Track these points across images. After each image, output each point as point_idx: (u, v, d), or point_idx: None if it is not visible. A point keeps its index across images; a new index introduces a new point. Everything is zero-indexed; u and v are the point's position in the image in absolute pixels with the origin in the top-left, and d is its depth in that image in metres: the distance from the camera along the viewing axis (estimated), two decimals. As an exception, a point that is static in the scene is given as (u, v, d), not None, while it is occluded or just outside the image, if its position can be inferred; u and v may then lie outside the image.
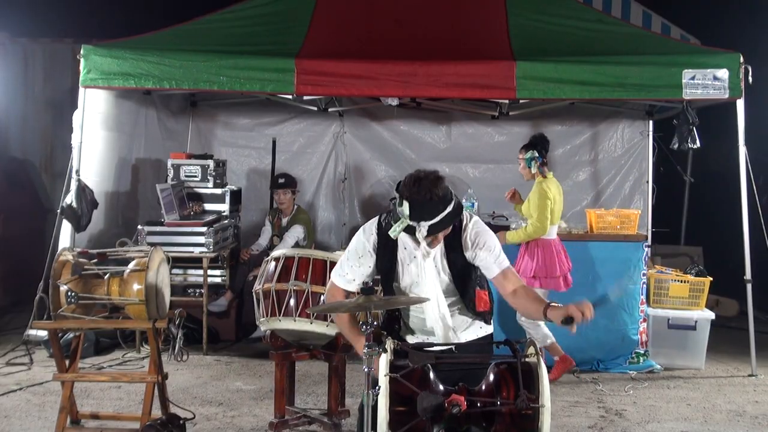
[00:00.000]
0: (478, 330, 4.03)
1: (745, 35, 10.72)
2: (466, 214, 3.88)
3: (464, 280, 3.90)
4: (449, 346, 3.89)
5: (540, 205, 6.90)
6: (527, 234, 6.95)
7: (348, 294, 4.04)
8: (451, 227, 3.75)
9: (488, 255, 3.82)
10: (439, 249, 3.85)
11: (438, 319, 3.87)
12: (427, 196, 3.60)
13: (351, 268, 3.97)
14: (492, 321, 4.10)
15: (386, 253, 3.89)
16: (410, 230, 3.65)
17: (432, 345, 3.82)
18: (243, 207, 9.44)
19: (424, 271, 3.83)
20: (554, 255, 6.96)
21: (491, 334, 4.09)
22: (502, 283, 3.84)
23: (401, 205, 3.64)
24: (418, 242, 3.75)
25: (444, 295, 3.89)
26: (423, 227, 3.61)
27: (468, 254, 3.84)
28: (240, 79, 7.15)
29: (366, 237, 3.93)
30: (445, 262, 3.86)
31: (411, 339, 4.03)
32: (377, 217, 3.95)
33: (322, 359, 5.58)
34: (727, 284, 8.81)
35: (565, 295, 6.87)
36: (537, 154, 7.10)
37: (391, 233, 3.69)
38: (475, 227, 3.86)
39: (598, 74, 7.09)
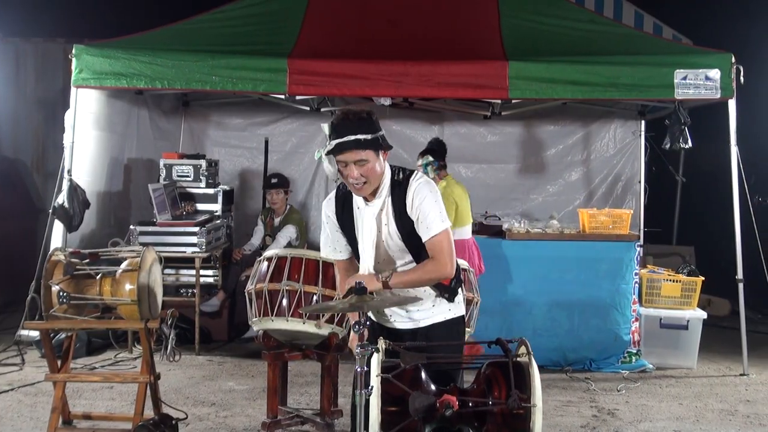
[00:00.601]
0: (447, 312, 3.94)
1: (737, 35, 10.74)
2: (420, 175, 3.83)
3: (416, 243, 3.79)
4: (409, 328, 3.89)
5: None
6: None
7: (345, 264, 4.03)
8: (369, 164, 3.67)
9: (422, 216, 3.72)
10: (387, 209, 3.79)
11: (366, 270, 3.80)
12: (348, 117, 3.69)
13: (327, 237, 4.01)
14: (460, 301, 4.00)
15: (344, 215, 3.90)
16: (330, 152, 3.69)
17: (404, 330, 3.86)
18: (235, 207, 9.44)
19: (362, 222, 3.80)
20: (465, 254, 6.98)
21: (462, 317, 4.00)
22: (431, 249, 3.73)
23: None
24: (365, 201, 3.77)
25: (402, 262, 3.85)
26: (331, 144, 3.66)
27: (410, 214, 3.76)
28: (232, 78, 7.15)
29: (326, 205, 3.97)
30: (393, 223, 3.80)
31: (374, 315, 4.01)
32: (338, 184, 3.99)
33: (315, 359, 5.58)
34: (719, 284, 8.84)
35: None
36: (432, 159, 7.41)
37: (315, 155, 3.79)
38: (418, 185, 3.76)
39: (590, 74, 7.10)
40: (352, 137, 3.65)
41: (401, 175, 3.81)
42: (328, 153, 3.69)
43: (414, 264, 3.83)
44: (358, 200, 3.84)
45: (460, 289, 4.01)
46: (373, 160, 3.69)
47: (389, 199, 3.79)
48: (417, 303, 3.87)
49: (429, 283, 3.81)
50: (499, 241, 7.51)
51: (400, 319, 3.94)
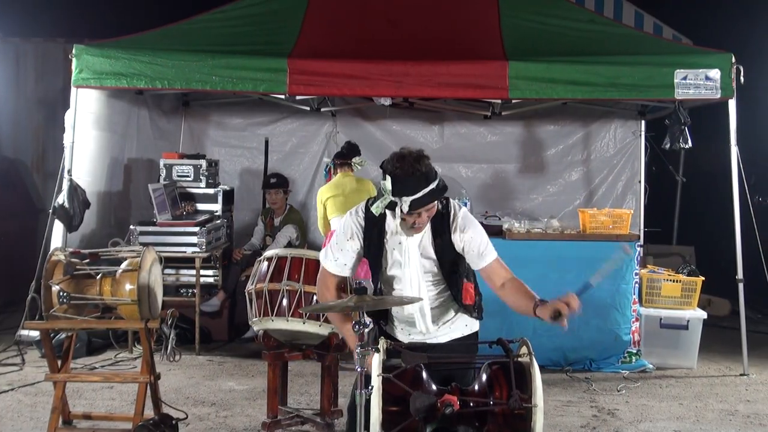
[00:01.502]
0: (464, 328, 4.01)
1: (737, 35, 10.74)
2: (455, 203, 3.88)
3: (451, 269, 3.86)
4: (432, 343, 3.91)
5: None
6: None
7: (338, 280, 4.01)
8: (434, 207, 3.70)
9: (475, 245, 3.79)
10: (426, 236, 3.82)
11: (417, 308, 3.85)
12: (410, 170, 3.59)
13: (340, 251, 3.94)
14: (478, 317, 4.07)
15: (373, 236, 3.86)
16: (392, 206, 3.63)
17: (420, 344, 3.85)
18: (235, 207, 9.43)
19: (408, 254, 3.81)
20: None
21: (476, 332, 4.07)
22: (489, 275, 3.82)
23: (384, 179, 3.65)
24: (403, 227, 3.76)
25: (430, 284, 3.89)
26: (405, 202, 3.59)
27: (456, 243, 3.80)
28: (232, 78, 7.15)
29: (353, 219, 3.91)
30: (431, 249, 3.83)
31: (394, 330, 4.03)
32: (365, 201, 3.93)
33: (315, 359, 5.58)
34: (719, 284, 8.84)
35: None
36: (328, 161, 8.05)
37: (374, 209, 3.70)
38: (463, 216, 3.83)
39: (590, 74, 7.10)
40: (427, 190, 3.62)
41: (440, 205, 3.82)
42: (404, 210, 3.62)
43: (447, 290, 3.92)
44: (391, 223, 3.82)
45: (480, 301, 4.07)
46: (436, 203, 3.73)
47: (429, 230, 3.82)
48: (439, 323, 3.93)
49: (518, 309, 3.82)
50: (499, 241, 7.49)
51: (417, 335, 3.96)
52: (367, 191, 7.55)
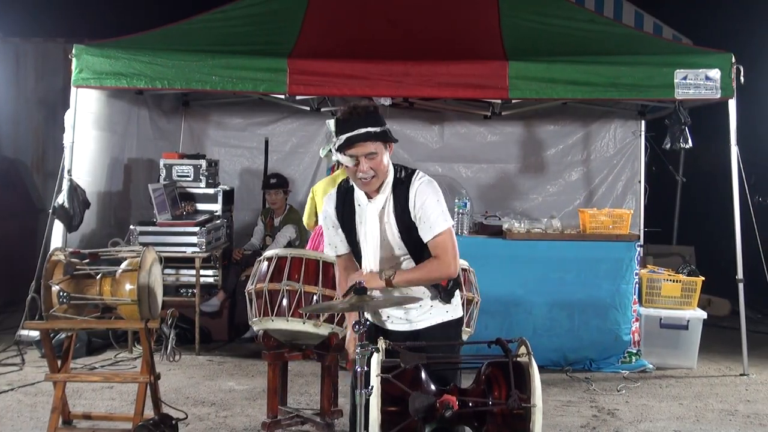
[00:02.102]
0: (444, 314, 3.93)
1: (737, 35, 10.75)
2: (423, 174, 3.85)
3: (414, 240, 3.80)
4: (406, 330, 3.89)
5: None
6: None
7: (344, 261, 4.03)
8: (378, 158, 3.68)
9: (424, 217, 3.73)
10: (388, 204, 3.80)
11: (372, 267, 3.81)
12: (352, 111, 3.70)
13: (330, 236, 4.01)
14: (458, 303, 3.98)
15: (345, 212, 3.90)
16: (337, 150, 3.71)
17: (400, 332, 3.87)
18: (235, 207, 9.43)
19: (365, 217, 3.80)
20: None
21: (459, 319, 3.99)
22: (433, 249, 3.74)
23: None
24: (353, 179, 3.79)
25: (398, 254, 3.84)
26: (341, 139, 3.67)
27: (410, 211, 3.76)
28: (232, 78, 7.15)
29: (327, 201, 3.98)
30: (393, 220, 3.80)
31: (371, 316, 3.99)
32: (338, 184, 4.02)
33: (315, 359, 5.58)
34: (719, 284, 8.84)
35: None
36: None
37: (321, 151, 3.79)
38: (423, 182, 3.79)
39: (590, 74, 7.10)
40: (363, 130, 3.66)
41: (403, 173, 3.82)
42: (338, 149, 3.70)
43: (413, 262, 3.83)
44: (359, 197, 3.84)
45: (457, 291, 3.98)
46: (381, 153, 3.71)
47: (391, 197, 3.79)
48: (414, 305, 3.86)
49: (431, 282, 3.80)
50: (499, 241, 7.50)
51: (397, 321, 3.94)
52: None
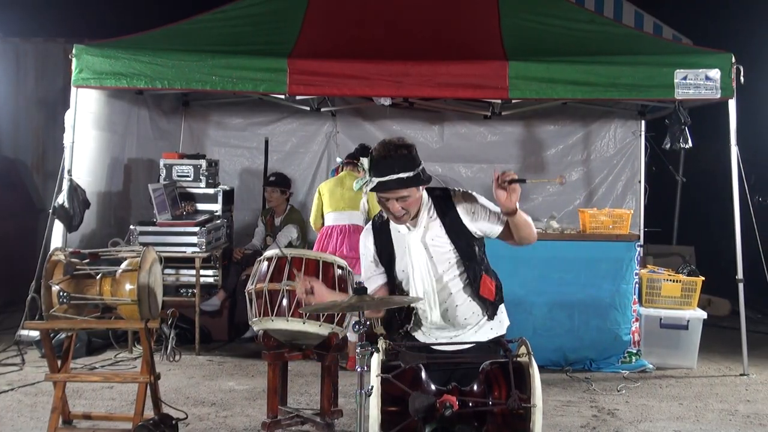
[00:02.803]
0: (489, 331, 3.97)
1: (737, 35, 10.75)
2: (456, 189, 3.94)
3: (468, 251, 3.87)
4: (452, 351, 3.89)
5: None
6: None
7: (384, 289, 4.03)
8: (411, 198, 3.72)
9: (485, 213, 3.85)
10: (431, 225, 3.84)
11: (423, 292, 3.86)
12: (385, 153, 3.68)
13: (369, 269, 4.03)
14: (502, 319, 4.04)
15: (383, 244, 3.93)
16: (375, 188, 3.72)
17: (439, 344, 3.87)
18: (235, 207, 9.43)
19: (410, 245, 3.85)
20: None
21: (501, 336, 4.00)
22: (508, 235, 3.86)
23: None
24: (407, 227, 3.82)
25: (443, 272, 3.87)
26: (372, 182, 3.67)
27: (467, 223, 3.83)
28: (232, 78, 7.15)
29: (365, 236, 4.02)
30: (442, 232, 3.84)
31: (419, 335, 4.01)
32: (372, 219, 4.05)
33: (315, 359, 5.58)
34: (719, 284, 8.84)
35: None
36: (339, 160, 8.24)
37: (354, 185, 3.80)
38: (464, 192, 3.90)
39: (590, 74, 7.10)
40: (395, 176, 3.65)
41: (438, 191, 3.89)
42: (369, 189, 3.71)
43: (461, 282, 3.89)
44: (396, 226, 3.89)
45: (502, 306, 4.05)
46: (413, 195, 3.73)
47: (435, 217, 3.85)
48: (464, 327, 3.92)
49: (531, 235, 3.87)
50: (499, 241, 7.48)
51: (443, 339, 3.96)
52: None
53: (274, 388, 5.35)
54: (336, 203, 7.51)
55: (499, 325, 4.01)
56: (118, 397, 6.33)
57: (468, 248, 3.86)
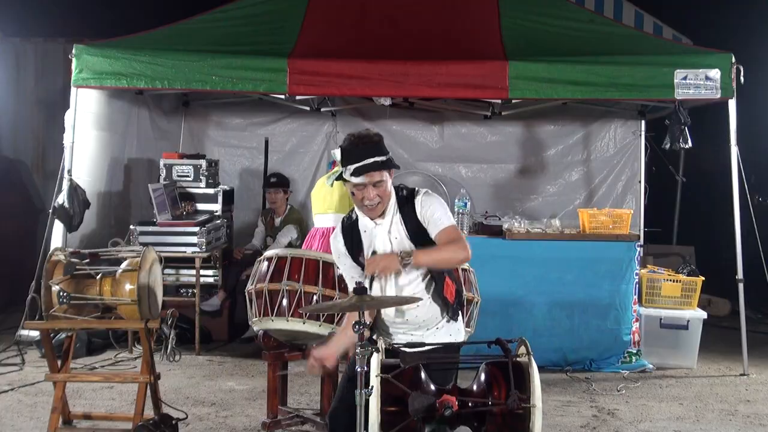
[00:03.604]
0: (448, 337, 3.97)
1: (737, 35, 10.74)
2: (419, 189, 3.98)
3: (427, 245, 3.89)
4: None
5: None
6: None
7: None
8: (384, 185, 3.80)
9: (431, 214, 3.85)
10: (395, 222, 3.89)
11: (379, 288, 3.89)
12: (356, 142, 3.81)
13: (347, 270, 4.06)
14: (459, 328, 4.04)
15: (354, 243, 3.98)
16: (341, 178, 3.83)
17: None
18: (235, 207, 9.43)
19: (375, 240, 3.90)
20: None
21: (459, 344, 4.00)
22: (440, 239, 3.84)
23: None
24: (359, 206, 3.89)
25: (412, 271, 3.88)
26: (348, 170, 3.76)
27: (419, 218, 3.87)
28: (232, 78, 7.16)
29: (334, 240, 4.06)
30: (404, 235, 3.88)
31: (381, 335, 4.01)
32: (341, 221, 4.10)
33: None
34: (719, 284, 8.85)
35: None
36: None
37: (326, 180, 3.93)
38: (425, 193, 3.92)
39: (590, 74, 7.11)
40: (370, 160, 3.76)
41: (405, 192, 3.95)
42: (347, 177, 3.78)
43: (419, 278, 3.90)
44: (364, 224, 3.95)
45: (460, 316, 4.08)
46: (387, 181, 3.83)
47: (398, 215, 3.90)
48: (423, 327, 3.93)
49: (450, 263, 3.91)
50: (499, 241, 7.50)
51: (403, 339, 3.95)
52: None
53: (274, 388, 5.36)
54: (319, 205, 7.49)
55: (457, 333, 4.03)
56: (118, 397, 6.33)
57: (426, 241, 3.87)
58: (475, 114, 9.48)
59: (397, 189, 3.95)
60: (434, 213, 3.84)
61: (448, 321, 3.97)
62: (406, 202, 3.90)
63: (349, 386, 3.58)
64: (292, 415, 5.52)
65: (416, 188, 3.98)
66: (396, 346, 3.80)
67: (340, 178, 3.84)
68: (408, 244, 3.87)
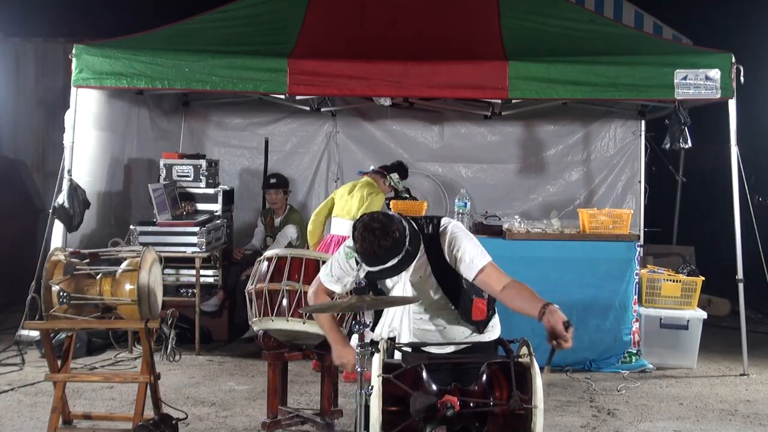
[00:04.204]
0: (480, 336, 3.97)
1: (737, 35, 10.75)
2: (446, 221, 3.85)
3: (455, 289, 3.84)
4: (444, 353, 3.90)
5: None
6: None
7: (332, 294, 4.07)
8: (400, 270, 3.67)
9: (463, 254, 3.72)
10: (423, 263, 3.80)
11: (399, 319, 3.86)
12: (372, 248, 3.54)
13: (346, 275, 3.96)
14: (490, 327, 4.02)
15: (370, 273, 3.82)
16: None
17: (425, 345, 3.85)
18: (235, 207, 9.43)
19: (403, 284, 3.81)
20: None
21: (494, 341, 3.98)
22: (486, 282, 3.70)
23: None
24: None
25: (438, 308, 3.89)
26: (363, 271, 3.65)
27: (447, 259, 3.77)
28: (232, 78, 7.15)
29: (351, 251, 3.85)
30: (432, 277, 3.81)
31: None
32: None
33: (315, 359, 5.57)
34: (719, 283, 8.85)
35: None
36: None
37: (346, 255, 3.83)
38: (452, 231, 3.79)
39: (590, 74, 7.11)
40: (384, 266, 3.59)
41: (430, 228, 3.81)
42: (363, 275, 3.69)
43: (453, 306, 3.87)
44: None
45: (495, 317, 4.05)
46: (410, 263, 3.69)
47: (425, 257, 3.79)
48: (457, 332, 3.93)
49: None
50: (499, 241, 7.49)
51: (437, 341, 3.96)
52: (375, 205, 7.37)
53: (274, 388, 5.36)
54: (340, 208, 7.50)
55: (491, 330, 4.02)
56: (118, 397, 6.33)
57: (455, 286, 3.82)
58: (475, 114, 9.48)
59: (422, 224, 3.80)
60: (466, 251, 3.71)
61: (479, 333, 3.97)
62: (431, 239, 3.77)
63: None
64: (292, 415, 5.52)
65: (441, 219, 3.84)
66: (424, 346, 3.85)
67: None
68: (433, 283, 3.82)
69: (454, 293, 3.86)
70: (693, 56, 7.27)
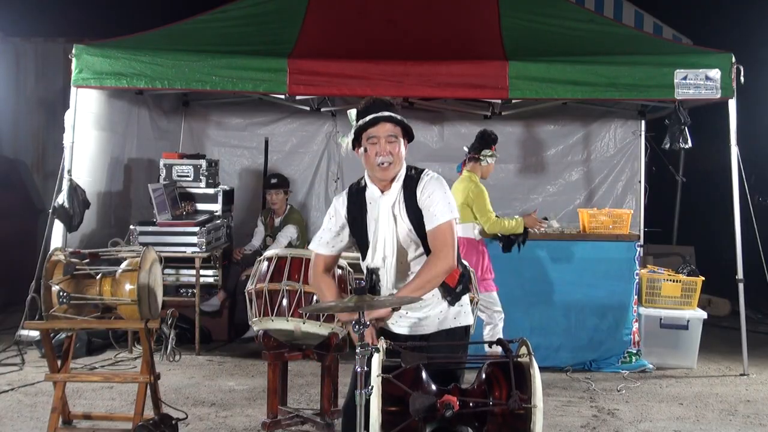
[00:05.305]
0: (452, 320, 3.93)
1: (737, 35, 10.76)
2: (429, 171, 3.93)
3: (424, 232, 3.84)
4: (412, 334, 3.91)
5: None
6: (508, 227, 7.05)
7: (326, 260, 4.06)
8: (397, 144, 3.82)
9: (430, 203, 3.79)
10: (399, 199, 3.85)
11: (381, 260, 3.87)
12: (371, 101, 3.91)
13: (330, 235, 4.01)
14: (468, 311, 3.99)
15: (356, 210, 3.94)
16: (357, 137, 3.94)
17: (408, 335, 3.89)
18: (235, 207, 9.43)
19: (379, 212, 3.85)
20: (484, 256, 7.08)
21: (467, 327, 3.98)
22: (433, 239, 3.78)
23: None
24: (370, 167, 3.88)
25: (406, 246, 3.88)
26: (366, 118, 3.87)
27: (420, 204, 3.81)
28: (232, 78, 7.16)
29: (337, 200, 4.03)
30: (405, 214, 3.85)
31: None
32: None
33: (315, 359, 5.58)
34: (719, 284, 8.85)
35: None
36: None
37: (340, 139, 4.02)
38: (431, 177, 3.87)
39: (590, 74, 7.11)
40: (386, 113, 3.81)
41: (414, 171, 3.91)
42: (360, 129, 3.87)
43: (424, 256, 3.85)
44: (372, 194, 3.91)
45: (466, 296, 4.00)
46: (400, 141, 3.84)
47: (402, 192, 3.86)
48: (424, 308, 3.89)
49: (434, 283, 3.78)
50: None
51: (405, 323, 3.95)
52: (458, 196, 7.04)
53: (274, 388, 5.36)
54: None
55: (464, 316, 3.97)
56: (118, 397, 6.33)
57: (424, 229, 3.83)
58: (475, 114, 9.48)
59: (408, 168, 3.92)
60: (432, 203, 3.78)
61: (450, 305, 3.92)
62: (411, 180, 3.86)
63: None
64: (292, 415, 5.52)
65: (425, 170, 3.91)
66: (394, 330, 3.89)
67: (356, 138, 3.91)
68: (407, 226, 3.84)
69: (423, 234, 3.85)
70: (693, 56, 7.27)
